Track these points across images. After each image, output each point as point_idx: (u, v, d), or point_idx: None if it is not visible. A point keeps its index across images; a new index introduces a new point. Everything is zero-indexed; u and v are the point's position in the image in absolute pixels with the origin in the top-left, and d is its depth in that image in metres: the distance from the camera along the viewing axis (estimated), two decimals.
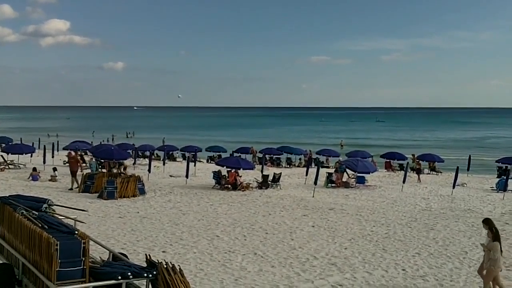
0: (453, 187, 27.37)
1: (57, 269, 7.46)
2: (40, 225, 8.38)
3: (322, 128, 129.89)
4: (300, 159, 45.24)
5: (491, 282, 11.13)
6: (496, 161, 39.09)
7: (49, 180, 27.90)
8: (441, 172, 38.64)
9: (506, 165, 37.31)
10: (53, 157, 37.35)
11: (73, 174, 25.69)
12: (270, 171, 32.61)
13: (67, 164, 28.67)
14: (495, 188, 29.15)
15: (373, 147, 61.59)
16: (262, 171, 30.92)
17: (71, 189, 25.03)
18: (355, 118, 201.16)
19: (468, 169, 38.03)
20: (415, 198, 25.36)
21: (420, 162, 37.69)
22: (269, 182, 27.92)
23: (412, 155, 40.20)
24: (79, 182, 24.99)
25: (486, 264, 11.04)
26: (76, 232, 8.14)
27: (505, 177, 29.20)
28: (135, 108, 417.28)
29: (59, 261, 7.45)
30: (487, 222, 11.55)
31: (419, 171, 34.55)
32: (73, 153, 29.50)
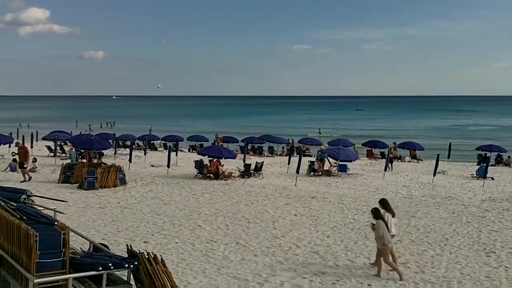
0: (434, 174, 27.63)
1: (36, 261, 7.33)
2: (18, 216, 8.22)
3: (301, 117, 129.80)
4: (282, 148, 45.28)
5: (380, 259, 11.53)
6: (476, 149, 39.59)
7: (28, 171, 27.45)
8: (422, 160, 38.94)
9: (486, 152, 37.86)
10: (32, 147, 36.87)
11: (21, 165, 24.95)
12: (252, 160, 32.57)
13: (15, 155, 28.07)
14: (475, 175, 29.49)
15: (354, 137, 61.60)
16: (244, 160, 30.87)
17: (24, 181, 23.89)
18: (333, 107, 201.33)
19: (448, 157, 38.36)
20: (397, 186, 25.54)
21: (394, 150, 37.82)
22: (251, 171, 27.87)
23: (393, 143, 40.47)
24: (59, 172, 24.66)
25: (377, 243, 11.52)
26: (56, 223, 8.00)
27: (484, 165, 29.57)
28: (113, 97, 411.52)
29: (39, 252, 7.33)
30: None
31: (391, 160, 33.30)
32: (21, 143, 28.95)
